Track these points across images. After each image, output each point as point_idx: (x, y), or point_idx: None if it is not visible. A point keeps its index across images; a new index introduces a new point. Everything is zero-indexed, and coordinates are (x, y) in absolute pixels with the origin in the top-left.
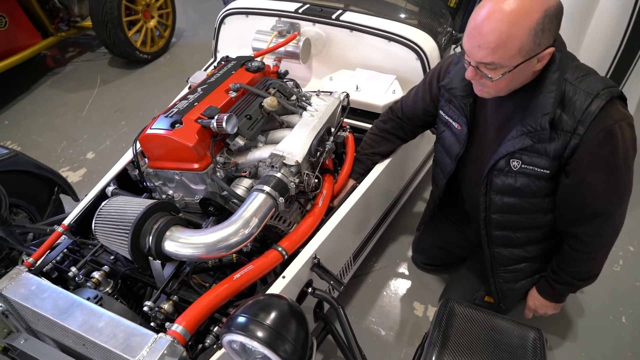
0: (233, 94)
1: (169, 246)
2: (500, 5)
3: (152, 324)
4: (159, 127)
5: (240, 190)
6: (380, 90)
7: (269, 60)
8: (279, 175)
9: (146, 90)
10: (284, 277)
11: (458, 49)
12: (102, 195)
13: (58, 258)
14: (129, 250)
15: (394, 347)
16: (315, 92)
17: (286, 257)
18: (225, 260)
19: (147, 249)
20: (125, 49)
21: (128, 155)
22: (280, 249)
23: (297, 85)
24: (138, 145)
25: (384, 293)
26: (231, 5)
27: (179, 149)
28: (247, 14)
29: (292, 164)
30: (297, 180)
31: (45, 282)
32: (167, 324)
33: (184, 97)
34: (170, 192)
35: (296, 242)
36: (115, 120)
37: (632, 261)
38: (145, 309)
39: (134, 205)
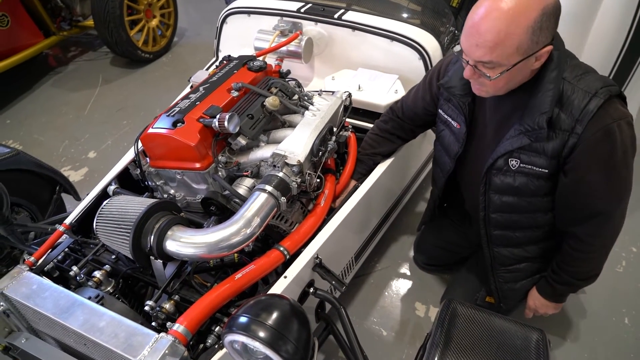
0: (235, 94)
1: (171, 246)
2: (497, 3)
3: (153, 323)
4: (161, 126)
5: (242, 190)
6: (383, 90)
7: (271, 60)
8: (280, 174)
9: (148, 89)
10: (285, 277)
11: (457, 48)
12: (103, 195)
13: (59, 257)
14: (131, 250)
15: (396, 348)
16: (317, 91)
17: (288, 257)
18: (227, 260)
19: (149, 249)
20: (127, 48)
21: (130, 155)
22: (282, 248)
23: (299, 85)
24: (140, 144)
25: (386, 293)
26: (233, 4)
27: (180, 148)
28: (249, 13)
29: (294, 163)
30: (299, 180)
31: (46, 281)
32: (168, 323)
33: (186, 97)
34: (172, 191)
35: (298, 241)
36: (117, 119)
37: (635, 262)
38: (146, 308)
39: (135, 205)
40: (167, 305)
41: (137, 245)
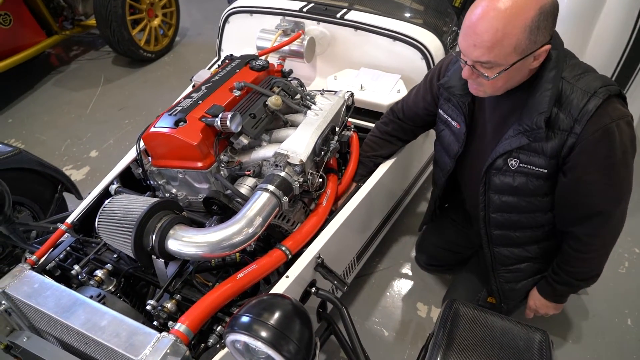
0: (237, 93)
1: (173, 245)
2: (495, 3)
3: (155, 323)
4: (163, 125)
5: (244, 189)
6: (385, 89)
7: (273, 59)
8: (283, 174)
9: (150, 89)
10: (287, 276)
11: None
12: (105, 194)
13: (61, 256)
14: (132, 249)
15: (397, 348)
16: (319, 91)
17: (290, 256)
18: (229, 259)
19: (151, 248)
20: (129, 47)
21: (131, 154)
22: (284, 248)
23: (301, 84)
24: (142, 143)
25: (387, 293)
26: (235, 3)
27: (182, 147)
28: (251, 12)
29: (296, 163)
30: (301, 180)
31: (48, 280)
32: (170, 323)
33: (188, 96)
34: (174, 190)
35: (300, 241)
36: (118, 118)
37: (638, 263)
38: (148, 307)
39: (137, 204)
40: (169, 305)
41: (139, 244)
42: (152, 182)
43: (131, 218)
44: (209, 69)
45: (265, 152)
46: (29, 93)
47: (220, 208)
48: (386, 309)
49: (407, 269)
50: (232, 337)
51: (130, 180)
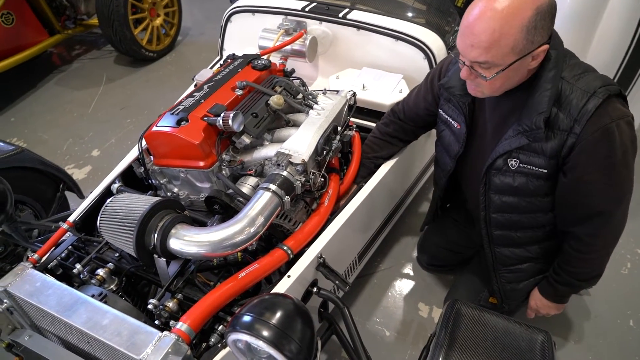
0: (239, 92)
1: (174, 244)
2: (491, 3)
3: (156, 322)
4: (165, 124)
5: (245, 189)
6: (387, 89)
7: (275, 59)
8: (285, 173)
9: (151, 88)
10: (289, 276)
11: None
12: (107, 193)
13: (63, 255)
14: (134, 248)
15: (399, 348)
16: (321, 90)
17: (292, 256)
18: (230, 258)
19: (152, 247)
20: (131, 47)
21: (133, 153)
22: (285, 248)
23: (303, 84)
24: (144, 142)
25: (389, 294)
26: (238, 3)
27: (184, 147)
28: (253, 12)
29: (299, 162)
30: (303, 179)
31: (49, 278)
32: (171, 322)
33: (190, 95)
34: (176, 189)
35: (302, 241)
36: (120, 118)
37: None
38: (149, 306)
39: (139, 203)
40: (170, 304)
41: (140, 243)
42: (153, 181)
43: (133, 217)
44: (211, 68)
45: (267, 151)
46: (31, 92)
47: (222, 207)
48: (388, 309)
49: (408, 269)
50: (233, 336)
51: (132, 180)
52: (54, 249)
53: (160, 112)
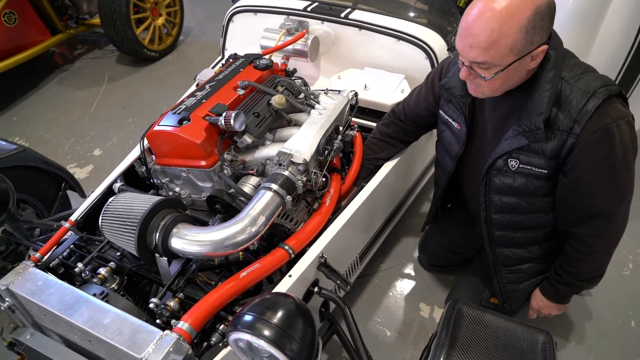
0: (241, 92)
1: (176, 243)
2: (490, 4)
3: (157, 321)
4: (167, 123)
5: (247, 188)
6: (389, 89)
7: (277, 59)
8: (286, 173)
9: (153, 87)
10: (290, 275)
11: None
12: (109, 192)
13: (64, 254)
14: (136, 247)
15: (400, 348)
16: (323, 90)
17: (293, 255)
18: (232, 258)
19: (154, 246)
20: (133, 46)
21: (135, 152)
22: (287, 247)
23: (305, 84)
24: (145, 141)
25: (390, 294)
26: (240, 2)
27: (186, 146)
28: (255, 11)
29: (300, 162)
30: (304, 179)
31: (51, 277)
32: (172, 321)
33: (192, 94)
34: (177, 189)
35: (303, 240)
36: (122, 117)
37: None
38: (151, 306)
39: (140, 202)
40: (172, 303)
41: (142, 242)
42: (155, 180)
43: (135, 216)
44: (213, 67)
45: (269, 151)
46: (33, 91)
47: (224, 207)
48: (389, 309)
49: (409, 269)
50: (234, 335)
51: (134, 179)
52: (56, 248)
53: (162, 111)
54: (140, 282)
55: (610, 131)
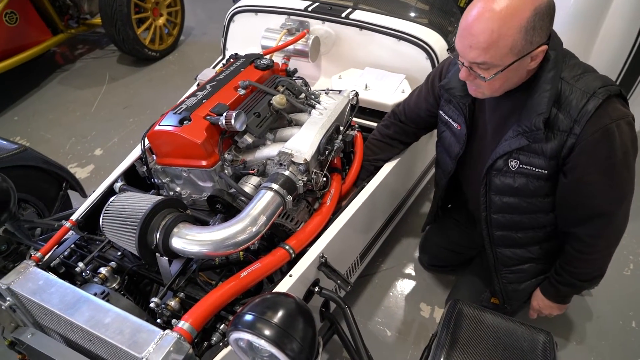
0: (242, 92)
1: (176, 243)
2: (490, 4)
3: (158, 320)
4: (168, 123)
5: (248, 188)
6: (390, 89)
7: (277, 59)
8: (287, 173)
9: (154, 87)
10: (291, 275)
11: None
12: (110, 192)
13: (65, 253)
14: (136, 247)
15: (400, 348)
16: (324, 90)
17: (293, 255)
18: (232, 257)
19: (155, 246)
20: (134, 46)
21: (136, 152)
22: (287, 247)
23: (306, 84)
24: (146, 141)
25: (391, 294)
26: (240, 2)
27: (187, 146)
28: (256, 11)
29: (301, 162)
30: (305, 179)
31: (52, 277)
32: (173, 320)
33: (193, 94)
34: (178, 189)
35: (304, 240)
36: (123, 117)
37: None
38: (151, 305)
39: (141, 202)
40: (172, 303)
41: (143, 242)
42: (156, 180)
43: (135, 216)
44: (214, 67)
45: (270, 151)
46: (34, 91)
47: (224, 206)
48: (389, 309)
49: (410, 269)
50: (235, 335)
51: (135, 179)
52: (57, 248)
53: (163, 111)
54: (141, 282)
55: (611, 131)
